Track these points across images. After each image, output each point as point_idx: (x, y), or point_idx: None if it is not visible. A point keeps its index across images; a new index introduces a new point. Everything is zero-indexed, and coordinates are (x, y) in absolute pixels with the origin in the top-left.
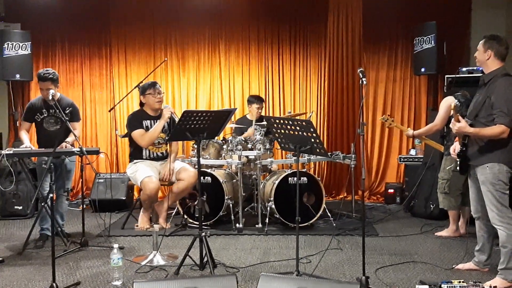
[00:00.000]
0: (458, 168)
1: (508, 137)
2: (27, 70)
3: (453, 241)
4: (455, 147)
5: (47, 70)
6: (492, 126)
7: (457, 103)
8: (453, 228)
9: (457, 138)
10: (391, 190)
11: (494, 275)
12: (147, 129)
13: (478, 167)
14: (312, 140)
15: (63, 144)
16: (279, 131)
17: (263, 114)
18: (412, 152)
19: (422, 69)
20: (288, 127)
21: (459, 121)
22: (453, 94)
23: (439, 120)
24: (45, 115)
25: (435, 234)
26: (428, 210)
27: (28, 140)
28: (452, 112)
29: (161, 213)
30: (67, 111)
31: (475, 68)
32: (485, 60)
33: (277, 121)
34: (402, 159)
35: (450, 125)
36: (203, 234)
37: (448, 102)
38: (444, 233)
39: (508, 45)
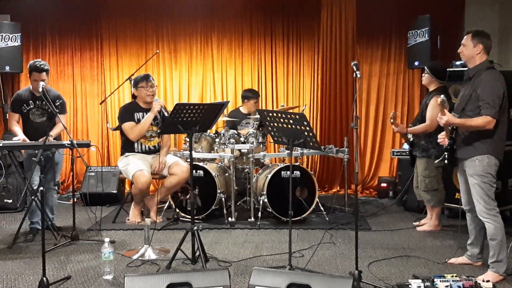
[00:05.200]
0: (446, 162)
1: (494, 129)
2: (17, 62)
3: (446, 235)
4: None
5: (40, 61)
6: (478, 117)
7: (444, 97)
8: (435, 223)
9: (444, 133)
10: (384, 184)
11: (487, 269)
12: (138, 121)
13: (466, 160)
14: (306, 133)
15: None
16: (272, 124)
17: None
18: (405, 146)
19: (416, 63)
20: (282, 120)
21: (445, 115)
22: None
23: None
24: (31, 106)
25: (417, 229)
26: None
27: (21, 132)
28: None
29: (152, 207)
30: (57, 103)
31: None
32: (475, 55)
33: (270, 114)
34: (395, 153)
35: (437, 119)
36: (195, 228)
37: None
38: (426, 227)
39: (491, 39)
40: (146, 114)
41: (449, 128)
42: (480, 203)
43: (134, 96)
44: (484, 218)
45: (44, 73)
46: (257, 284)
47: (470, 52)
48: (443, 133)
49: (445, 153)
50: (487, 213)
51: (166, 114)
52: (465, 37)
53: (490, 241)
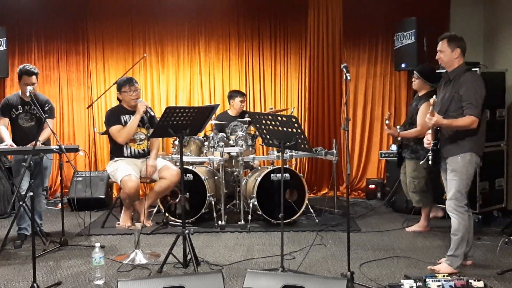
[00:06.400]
0: (430, 162)
1: (477, 127)
2: (3, 67)
3: (435, 235)
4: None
5: (30, 65)
6: (463, 117)
7: (436, 98)
8: (424, 224)
9: (428, 132)
10: (372, 186)
11: (478, 268)
12: (125, 123)
13: (449, 158)
14: (297, 136)
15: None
16: (263, 126)
17: (244, 109)
18: (393, 147)
19: (403, 65)
20: (273, 122)
21: (434, 116)
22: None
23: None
24: (20, 111)
25: (406, 229)
26: (409, 205)
27: (8, 137)
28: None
29: (141, 212)
30: (46, 108)
31: None
32: (453, 59)
33: (261, 116)
34: (383, 155)
35: (426, 119)
36: (187, 231)
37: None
38: (415, 228)
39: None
40: (132, 116)
41: (435, 129)
42: (452, 198)
43: (119, 99)
44: (451, 213)
45: (34, 77)
46: (251, 286)
47: (449, 57)
48: (429, 136)
49: (429, 153)
50: (455, 208)
51: (152, 114)
52: (440, 43)
53: (452, 236)
